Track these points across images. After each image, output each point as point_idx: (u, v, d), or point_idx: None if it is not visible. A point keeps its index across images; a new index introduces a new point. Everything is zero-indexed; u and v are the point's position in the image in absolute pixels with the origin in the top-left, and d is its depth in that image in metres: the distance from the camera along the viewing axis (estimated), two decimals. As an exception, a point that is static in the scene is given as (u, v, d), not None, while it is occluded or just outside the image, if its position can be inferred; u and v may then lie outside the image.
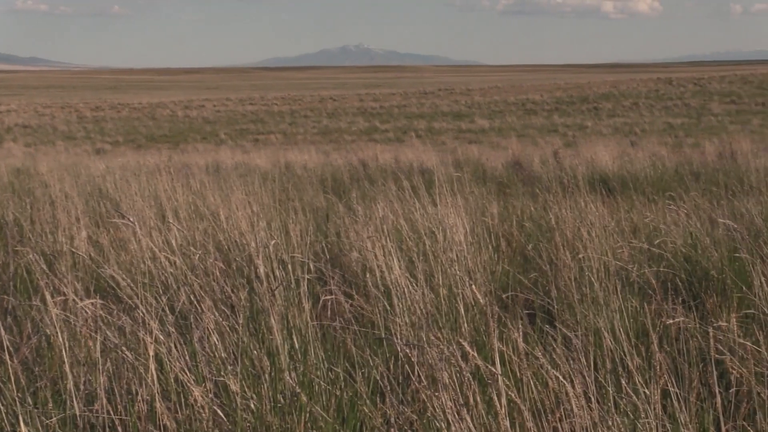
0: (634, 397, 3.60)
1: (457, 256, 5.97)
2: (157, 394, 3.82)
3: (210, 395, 3.93)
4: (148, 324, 3.98)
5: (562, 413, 3.55)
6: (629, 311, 5.13)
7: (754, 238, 6.62)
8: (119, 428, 3.84)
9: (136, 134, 46.41)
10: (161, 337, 4.01)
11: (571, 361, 3.64)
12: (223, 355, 4.17)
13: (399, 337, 4.62)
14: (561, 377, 3.47)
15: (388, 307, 4.95)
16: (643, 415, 3.56)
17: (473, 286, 5.33)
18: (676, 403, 3.58)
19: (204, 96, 79.78)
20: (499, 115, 50.24)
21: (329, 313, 5.57)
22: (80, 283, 5.23)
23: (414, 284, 5.03)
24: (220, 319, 4.40)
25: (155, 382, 3.82)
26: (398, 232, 6.67)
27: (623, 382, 3.72)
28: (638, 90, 61.21)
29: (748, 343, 4.44)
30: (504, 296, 5.98)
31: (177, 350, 4.01)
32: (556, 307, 5.39)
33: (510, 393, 3.44)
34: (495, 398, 3.39)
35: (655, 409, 3.57)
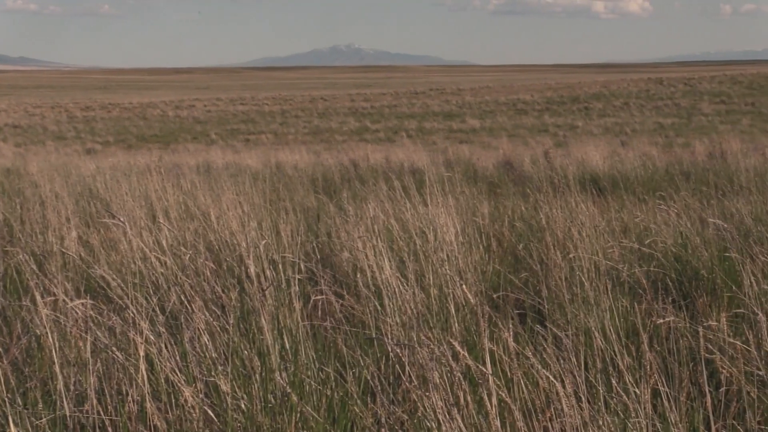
0: (625, 397, 3.61)
1: (447, 256, 5.97)
2: (147, 395, 3.81)
3: (200, 395, 3.93)
4: (139, 324, 3.97)
5: (553, 413, 3.55)
6: (620, 311, 5.14)
7: (744, 237, 6.64)
8: (109, 429, 3.83)
9: (126, 134, 46.31)
10: (152, 337, 4.00)
11: (562, 361, 3.64)
12: (213, 355, 4.16)
13: (390, 337, 4.62)
14: (551, 377, 3.47)
15: (379, 307, 4.95)
16: (633, 415, 3.57)
17: (464, 286, 5.33)
18: (666, 403, 3.58)
19: (195, 96, 79.66)
20: (490, 115, 50.27)
21: (320, 313, 5.57)
22: (70, 284, 5.22)
23: (405, 284, 5.03)
24: (211, 320, 4.39)
25: (146, 382, 3.81)
26: (389, 232, 6.67)
27: (614, 381, 3.72)
28: (629, 90, 61.29)
29: (737, 343, 4.45)
30: (495, 296, 5.98)
31: (167, 350, 4.01)
32: (546, 306, 5.40)
33: (501, 393, 3.44)
34: (486, 398, 3.40)
35: (645, 408, 3.57)
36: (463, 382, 3.53)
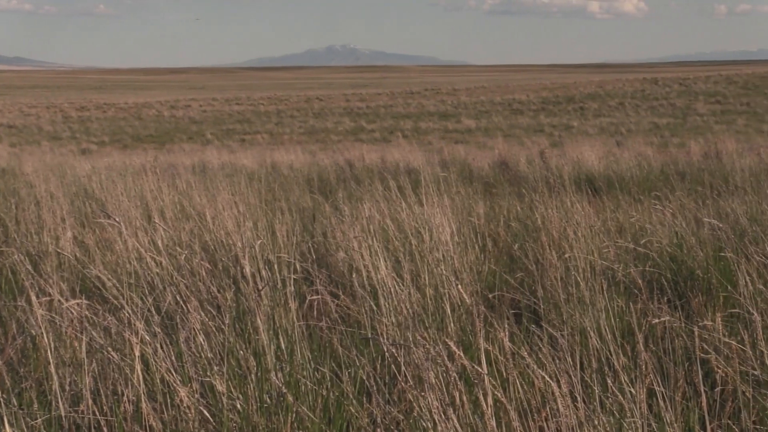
0: (620, 397, 3.61)
1: (443, 255, 5.97)
2: (143, 395, 3.81)
3: (196, 395, 3.93)
4: (134, 324, 3.97)
5: (549, 413, 3.56)
6: (615, 311, 5.14)
7: (739, 237, 6.65)
8: (105, 429, 3.83)
9: (122, 134, 46.27)
10: (147, 337, 4.00)
11: (557, 361, 3.64)
12: (209, 355, 4.16)
13: (385, 337, 4.63)
14: (547, 377, 3.48)
15: (375, 307, 4.95)
16: (629, 415, 3.57)
17: (459, 286, 5.33)
18: (661, 402, 3.59)
19: (190, 96, 79.61)
20: (486, 115, 50.29)
21: (315, 313, 5.57)
22: (66, 284, 5.21)
23: (400, 284, 5.03)
24: (207, 320, 4.39)
25: (141, 382, 3.81)
26: (385, 232, 6.67)
27: (609, 381, 3.72)
28: (624, 90, 61.35)
29: (733, 342, 4.45)
30: (490, 296, 5.99)
31: (163, 350, 4.00)
32: (542, 306, 5.40)
33: (496, 393, 3.44)
34: (481, 398, 3.40)
35: (640, 408, 3.57)
36: (458, 382, 3.53)
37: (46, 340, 3.95)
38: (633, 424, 3.55)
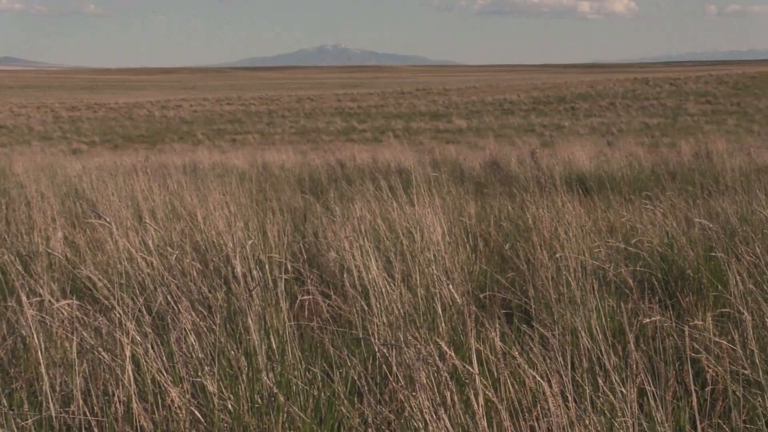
0: (611, 396, 3.62)
1: (434, 255, 5.97)
2: (133, 395, 3.80)
3: (187, 396, 3.92)
4: (125, 325, 3.96)
5: (540, 412, 3.56)
6: (606, 310, 5.15)
7: (730, 237, 6.66)
8: (96, 429, 3.82)
9: (112, 134, 46.17)
10: (138, 337, 3.99)
11: (548, 361, 3.65)
12: (200, 355, 4.16)
13: (376, 337, 4.63)
14: (538, 376, 3.48)
15: (366, 307, 4.95)
16: (619, 414, 3.57)
17: (450, 286, 5.33)
18: (652, 402, 3.59)
19: (181, 96, 79.48)
20: (477, 115, 50.31)
21: (307, 313, 5.56)
22: (56, 284, 5.20)
23: (391, 284, 5.03)
24: (198, 320, 4.39)
25: (132, 383, 3.80)
26: (376, 232, 6.67)
27: (600, 381, 3.73)
28: (615, 90, 61.45)
29: (723, 342, 4.47)
30: (481, 296, 5.99)
31: (154, 351, 4.00)
32: (533, 306, 5.40)
33: (487, 392, 3.45)
34: (472, 398, 3.40)
35: (631, 407, 3.58)
36: (450, 382, 3.53)
37: (36, 341, 3.94)
38: (624, 424, 3.55)
